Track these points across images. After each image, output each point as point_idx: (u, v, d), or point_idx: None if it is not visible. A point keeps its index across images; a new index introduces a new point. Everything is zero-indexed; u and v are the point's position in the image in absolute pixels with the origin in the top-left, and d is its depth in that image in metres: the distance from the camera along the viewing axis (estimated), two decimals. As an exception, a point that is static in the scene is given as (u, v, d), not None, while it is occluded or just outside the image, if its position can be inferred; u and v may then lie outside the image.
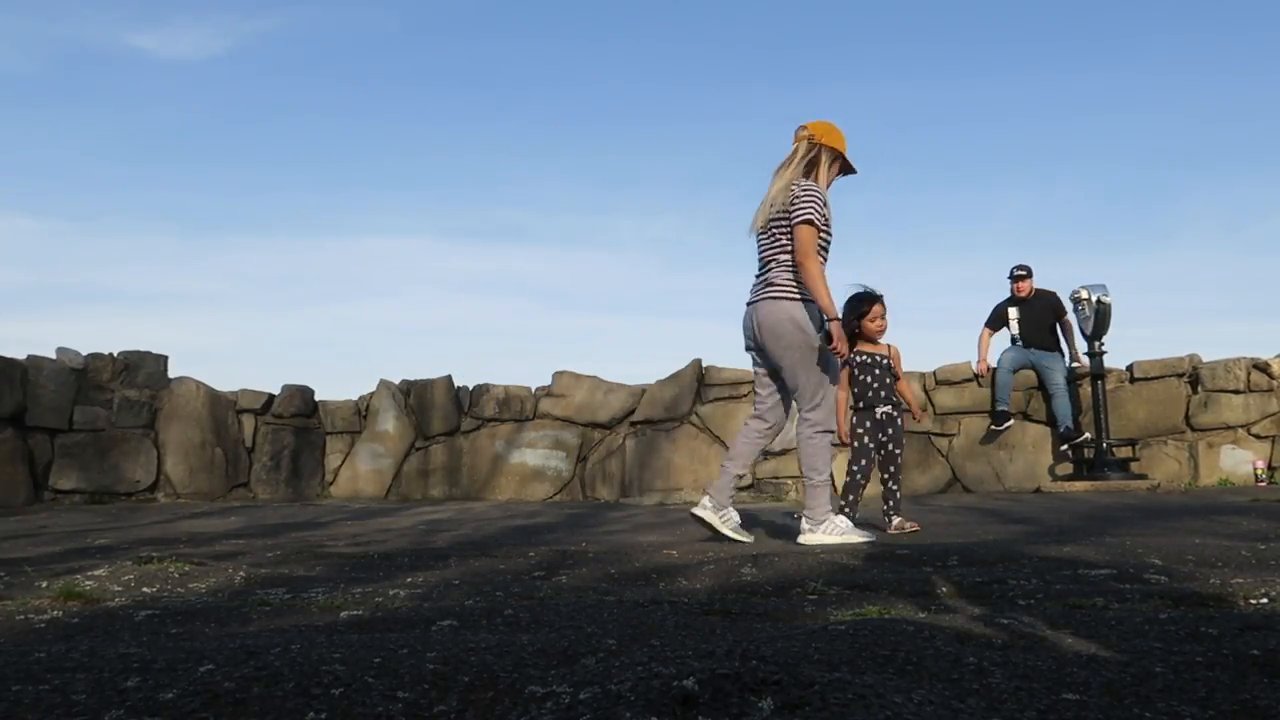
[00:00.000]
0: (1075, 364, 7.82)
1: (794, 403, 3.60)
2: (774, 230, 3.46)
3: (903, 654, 1.37)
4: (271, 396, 8.46)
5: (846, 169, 3.67)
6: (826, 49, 23.62)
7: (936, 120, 22.83)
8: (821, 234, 3.43)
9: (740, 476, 3.74)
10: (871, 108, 22.86)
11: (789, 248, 3.40)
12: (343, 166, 22.94)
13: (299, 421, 8.43)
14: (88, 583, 2.54)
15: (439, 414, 8.35)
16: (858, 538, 3.53)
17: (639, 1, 23.67)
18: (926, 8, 22.68)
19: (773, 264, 3.48)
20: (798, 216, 3.37)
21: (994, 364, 7.92)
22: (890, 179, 23.79)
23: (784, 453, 7.84)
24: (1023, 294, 7.95)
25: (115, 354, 8.17)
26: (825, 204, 3.44)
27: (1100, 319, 7.51)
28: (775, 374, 3.63)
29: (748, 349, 3.66)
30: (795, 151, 3.51)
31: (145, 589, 2.51)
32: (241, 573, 2.78)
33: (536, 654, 1.39)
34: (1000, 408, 7.75)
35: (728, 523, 3.61)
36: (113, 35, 21.79)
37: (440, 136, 23.68)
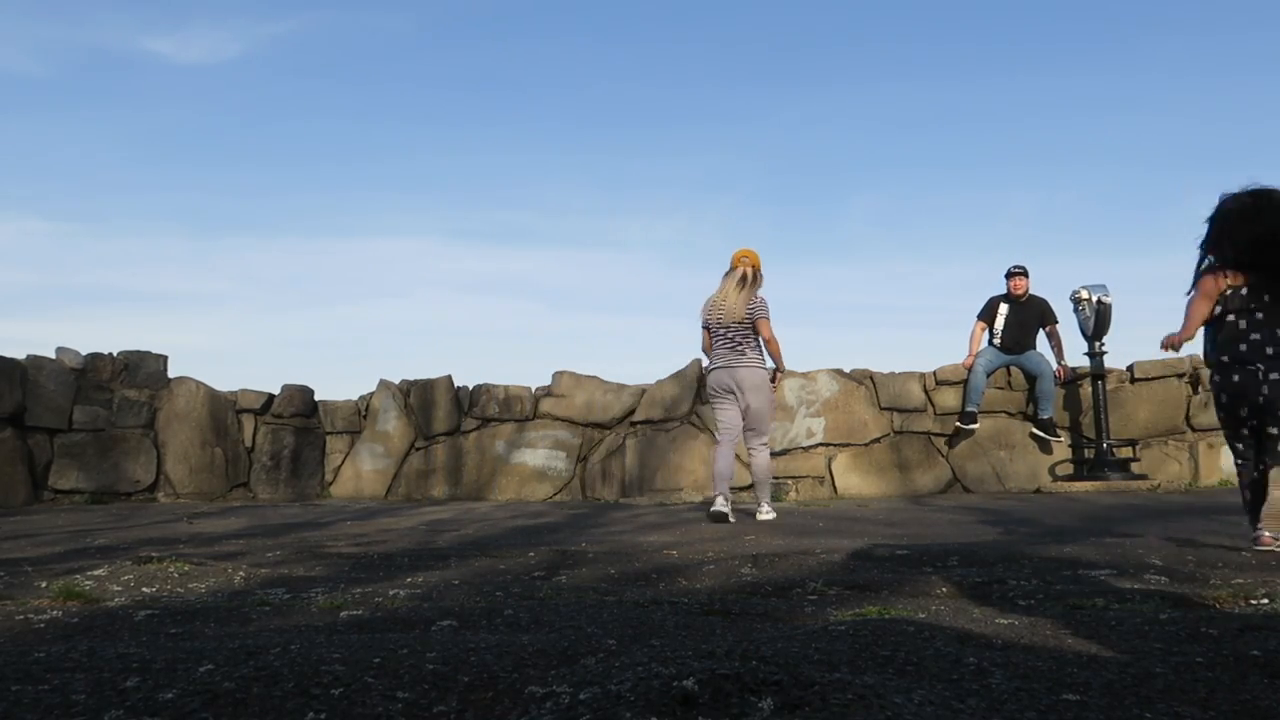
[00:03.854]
0: (1059, 372, 7.80)
1: (752, 429, 5.45)
2: (744, 324, 5.34)
3: (903, 654, 1.37)
4: (271, 396, 8.46)
5: None
6: (830, 50, 23.63)
7: (939, 121, 22.84)
8: None
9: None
10: (874, 108, 22.89)
11: (753, 335, 5.36)
12: (349, 168, 22.97)
13: (299, 421, 8.43)
14: (88, 583, 2.54)
15: (440, 414, 8.35)
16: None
17: (645, 4, 23.68)
18: (929, 8, 22.69)
19: (744, 344, 5.36)
20: (761, 316, 5.36)
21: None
22: (893, 180, 23.80)
23: (785, 452, 7.84)
24: (1018, 292, 7.92)
25: (115, 354, 8.17)
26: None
27: (1101, 319, 7.50)
28: (744, 411, 5.44)
29: (712, 395, 5.49)
30: (745, 275, 5.38)
31: (145, 589, 2.50)
32: (241, 573, 2.78)
33: (536, 654, 1.39)
34: (969, 408, 7.74)
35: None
36: (130, 39, 21.82)
37: (446, 139, 23.71)
